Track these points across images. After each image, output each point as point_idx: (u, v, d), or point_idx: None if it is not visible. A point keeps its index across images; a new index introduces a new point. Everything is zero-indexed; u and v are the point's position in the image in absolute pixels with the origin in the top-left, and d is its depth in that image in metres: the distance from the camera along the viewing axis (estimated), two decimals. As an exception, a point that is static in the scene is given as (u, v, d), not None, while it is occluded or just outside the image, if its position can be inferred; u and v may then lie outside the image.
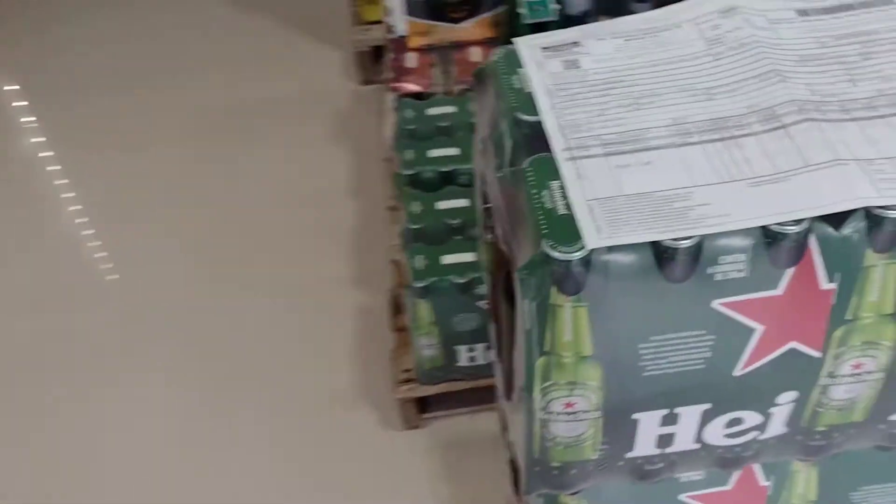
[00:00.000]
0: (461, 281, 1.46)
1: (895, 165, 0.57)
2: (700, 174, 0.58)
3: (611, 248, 0.55)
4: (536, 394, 0.62)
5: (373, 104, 2.37)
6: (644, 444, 0.68)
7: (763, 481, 0.78)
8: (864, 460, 0.76)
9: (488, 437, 1.70)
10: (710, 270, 0.56)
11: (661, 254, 0.55)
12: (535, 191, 0.58)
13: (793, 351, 0.61)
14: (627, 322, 0.58)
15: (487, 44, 1.89)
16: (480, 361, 1.60)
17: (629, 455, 0.69)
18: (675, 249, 0.55)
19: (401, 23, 1.89)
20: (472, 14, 1.84)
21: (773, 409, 0.66)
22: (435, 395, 1.67)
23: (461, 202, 1.57)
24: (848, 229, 0.56)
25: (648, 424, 0.66)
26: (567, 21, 1.96)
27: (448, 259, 1.48)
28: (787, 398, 0.66)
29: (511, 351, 0.71)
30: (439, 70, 1.89)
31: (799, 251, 0.56)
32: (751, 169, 0.58)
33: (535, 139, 0.63)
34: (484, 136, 0.72)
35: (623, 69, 0.66)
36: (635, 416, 0.65)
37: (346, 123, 2.36)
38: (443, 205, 1.57)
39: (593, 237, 0.55)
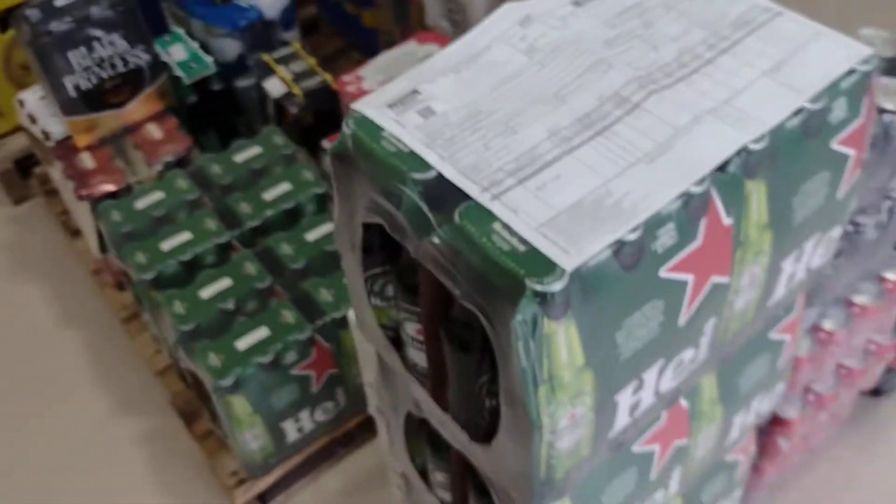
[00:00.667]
0: (267, 359, 1.40)
1: (733, 106, 0.67)
2: (604, 170, 0.63)
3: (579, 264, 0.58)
4: (545, 420, 0.64)
5: (42, 220, 2.14)
6: (621, 420, 0.73)
7: (684, 404, 0.88)
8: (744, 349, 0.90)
9: (339, 494, 1.66)
10: (653, 247, 0.62)
11: (616, 250, 0.60)
12: (483, 239, 0.59)
13: (714, 285, 0.70)
14: (605, 320, 0.63)
15: (159, 117, 1.79)
16: (309, 428, 1.56)
17: (611, 435, 0.74)
18: (628, 242, 0.60)
19: (57, 126, 1.72)
20: (133, 94, 1.73)
21: (701, 340, 0.75)
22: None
23: (224, 282, 1.50)
24: (731, 168, 0.65)
25: (624, 400, 0.71)
26: (225, 69, 1.92)
27: (241, 343, 1.41)
28: (710, 326, 0.75)
29: (472, 397, 0.72)
30: (122, 161, 1.75)
31: (706, 202, 0.64)
32: (638, 150, 0.65)
33: (442, 193, 0.63)
34: (360, 211, 0.71)
35: (474, 101, 0.69)
36: (616, 398, 0.70)
37: (17, 251, 2.11)
38: (206, 293, 1.48)
39: (565, 259, 0.58)
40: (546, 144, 0.66)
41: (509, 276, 0.58)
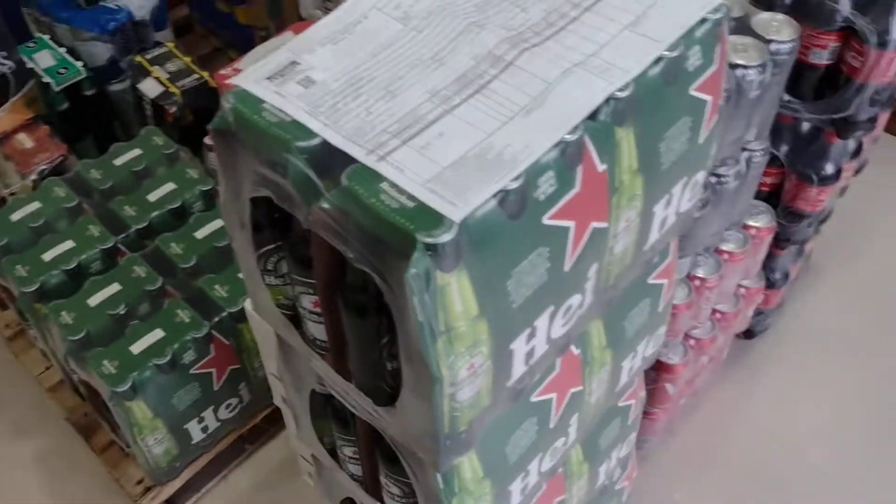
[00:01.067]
0: (164, 360, 1.37)
1: (599, 58, 0.71)
2: (485, 125, 0.66)
3: (467, 215, 0.60)
4: (445, 373, 0.66)
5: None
6: (518, 369, 0.76)
7: (576, 352, 0.92)
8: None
9: (250, 490, 1.64)
10: (535, 195, 0.65)
11: (501, 199, 0.62)
12: (372, 199, 0.61)
13: (594, 230, 0.74)
14: (495, 269, 0.65)
15: (29, 126, 1.72)
16: (214, 427, 1.53)
17: (510, 384, 0.77)
18: (511, 190, 0.62)
19: (-84, 142, 1.63)
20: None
21: (586, 285, 0.79)
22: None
23: (112, 288, 1.46)
24: (601, 116, 0.68)
25: (519, 348, 0.74)
26: (97, 73, 1.86)
27: (136, 347, 1.38)
28: (593, 271, 0.78)
29: (374, 361, 0.73)
30: (-8, 173, 1.68)
31: (581, 150, 0.67)
32: (515, 104, 0.67)
33: (328, 159, 0.64)
34: (246, 187, 0.71)
35: (354, 69, 0.70)
36: (511, 346, 0.73)
37: None
38: (94, 301, 1.44)
39: (453, 211, 0.60)
40: (427, 105, 0.68)
41: (400, 231, 0.59)
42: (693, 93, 0.77)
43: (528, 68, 0.70)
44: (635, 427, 1.31)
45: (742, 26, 1.17)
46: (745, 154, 1.29)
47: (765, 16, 1.21)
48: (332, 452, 1.04)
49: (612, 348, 0.99)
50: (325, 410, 0.96)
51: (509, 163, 0.63)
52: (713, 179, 1.25)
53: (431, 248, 0.59)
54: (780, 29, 1.19)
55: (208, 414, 1.48)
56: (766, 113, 1.25)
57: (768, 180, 1.54)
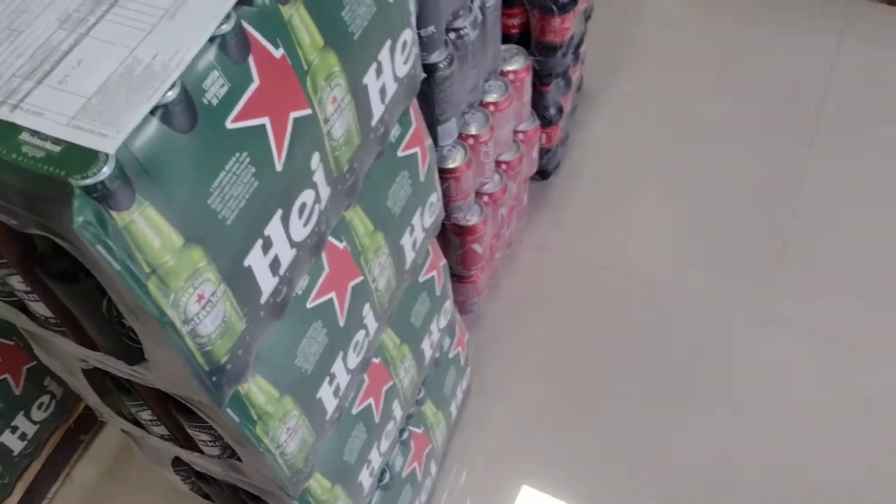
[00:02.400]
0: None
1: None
2: (127, 40, 0.59)
3: (126, 143, 0.55)
4: (171, 313, 0.61)
5: None
6: (266, 282, 0.72)
7: (340, 245, 0.89)
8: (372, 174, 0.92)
9: (99, 478, 1.57)
10: (204, 101, 0.60)
11: (163, 116, 0.56)
12: (14, 155, 0.54)
13: (296, 120, 0.69)
14: (186, 191, 0.60)
15: None
16: (32, 431, 1.44)
17: (263, 301, 0.73)
18: (170, 102, 0.57)
19: None
20: None
21: (315, 178, 0.75)
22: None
23: None
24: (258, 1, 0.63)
25: (257, 262, 0.70)
26: None
27: None
28: (316, 161, 0.75)
29: (106, 323, 0.68)
30: None
31: (244, 39, 0.62)
32: (156, 9, 0.61)
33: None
34: None
35: (-35, 15, 0.61)
36: (246, 263, 0.68)
37: None
38: None
39: (105, 143, 0.54)
40: (59, 34, 0.60)
41: (52, 182, 0.53)
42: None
43: (162, -33, 0.63)
44: (447, 296, 1.31)
45: None
46: (477, 1, 1.27)
47: None
48: (136, 421, 0.98)
49: (382, 230, 0.97)
50: (105, 384, 0.90)
51: (160, 74, 0.57)
52: (452, 35, 1.22)
53: (93, 190, 0.53)
54: None
55: (20, 420, 1.38)
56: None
57: (515, 21, 1.53)
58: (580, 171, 1.99)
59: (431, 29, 1.13)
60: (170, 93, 0.57)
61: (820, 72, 2.12)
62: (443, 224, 1.38)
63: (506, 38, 1.53)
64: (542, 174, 1.90)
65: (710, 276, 1.80)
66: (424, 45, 1.14)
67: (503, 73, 1.45)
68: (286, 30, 0.66)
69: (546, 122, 1.73)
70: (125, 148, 0.54)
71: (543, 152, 1.81)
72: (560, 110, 1.76)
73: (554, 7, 1.49)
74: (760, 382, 1.64)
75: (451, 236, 1.52)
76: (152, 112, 0.56)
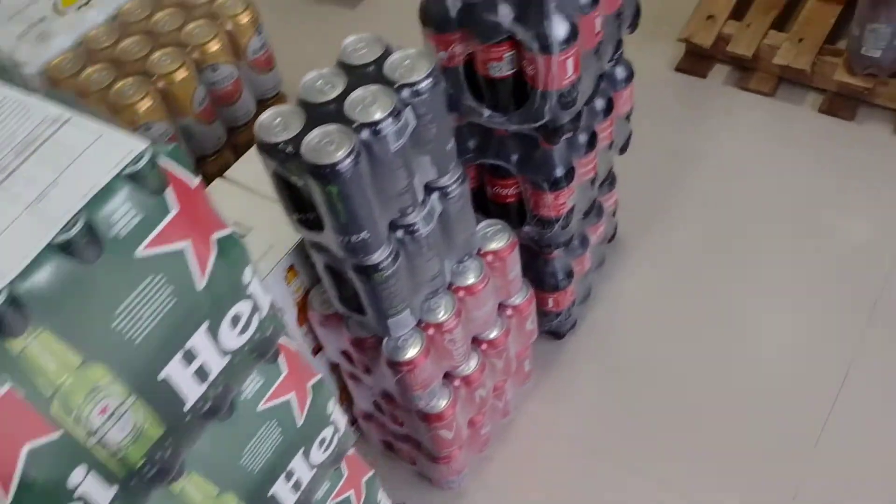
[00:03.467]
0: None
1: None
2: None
3: (20, 280, 0.59)
4: (76, 429, 0.67)
5: None
6: (190, 391, 0.78)
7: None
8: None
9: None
10: (111, 234, 0.65)
11: (65, 247, 0.61)
12: None
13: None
14: (87, 315, 0.66)
15: None
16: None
17: (187, 408, 0.79)
18: (71, 239, 0.61)
19: None
20: None
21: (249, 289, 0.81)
22: None
23: None
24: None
25: (178, 373, 0.76)
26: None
27: None
28: (248, 274, 0.80)
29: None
30: None
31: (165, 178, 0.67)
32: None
33: None
34: None
35: None
36: (161, 376, 0.75)
37: None
38: None
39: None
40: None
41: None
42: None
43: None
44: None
45: (377, 72, 1.11)
46: (435, 195, 1.22)
47: (395, 58, 1.12)
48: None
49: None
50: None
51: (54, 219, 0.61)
52: (400, 233, 1.17)
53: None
54: (413, 67, 1.09)
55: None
56: (438, 149, 1.17)
57: (510, 191, 1.50)
58: (602, 331, 1.81)
59: (364, 234, 1.10)
60: (77, 226, 0.62)
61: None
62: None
63: (502, 207, 1.53)
64: (556, 335, 1.81)
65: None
66: (357, 249, 1.12)
67: (482, 254, 1.37)
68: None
69: (552, 289, 1.63)
70: (19, 284, 0.58)
71: (553, 315, 1.72)
72: (569, 275, 1.66)
73: (545, 184, 1.43)
74: None
75: (417, 421, 1.43)
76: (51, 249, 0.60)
